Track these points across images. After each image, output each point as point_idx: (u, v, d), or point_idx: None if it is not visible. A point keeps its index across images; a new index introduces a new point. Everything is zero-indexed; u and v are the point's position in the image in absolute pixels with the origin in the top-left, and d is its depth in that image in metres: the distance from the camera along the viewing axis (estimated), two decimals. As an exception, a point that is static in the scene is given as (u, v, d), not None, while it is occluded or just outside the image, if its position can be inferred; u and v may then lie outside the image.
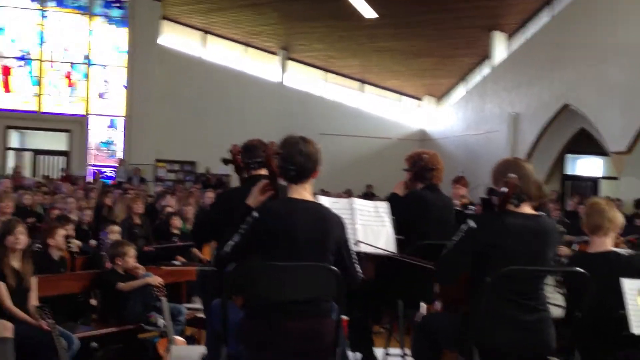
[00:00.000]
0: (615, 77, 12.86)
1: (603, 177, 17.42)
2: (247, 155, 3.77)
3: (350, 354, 4.39)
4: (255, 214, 3.03)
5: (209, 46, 21.01)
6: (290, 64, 21.66)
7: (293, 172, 3.09)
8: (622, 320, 3.39)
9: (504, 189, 3.12)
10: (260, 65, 21.50)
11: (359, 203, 4.27)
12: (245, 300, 3.15)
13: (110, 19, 19.78)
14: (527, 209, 3.26)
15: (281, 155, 3.11)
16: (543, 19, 16.67)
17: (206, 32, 20.78)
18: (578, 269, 3.29)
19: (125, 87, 19.58)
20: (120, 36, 19.72)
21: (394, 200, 4.54)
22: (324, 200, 3.96)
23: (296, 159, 3.07)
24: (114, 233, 7.31)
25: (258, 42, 20.99)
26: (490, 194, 3.21)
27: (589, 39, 13.70)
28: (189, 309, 6.37)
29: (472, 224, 3.19)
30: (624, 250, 4.03)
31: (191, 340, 6.16)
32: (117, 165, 19.03)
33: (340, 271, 2.96)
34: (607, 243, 3.79)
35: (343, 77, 22.26)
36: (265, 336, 2.96)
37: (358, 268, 3.17)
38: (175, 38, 20.62)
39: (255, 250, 3.02)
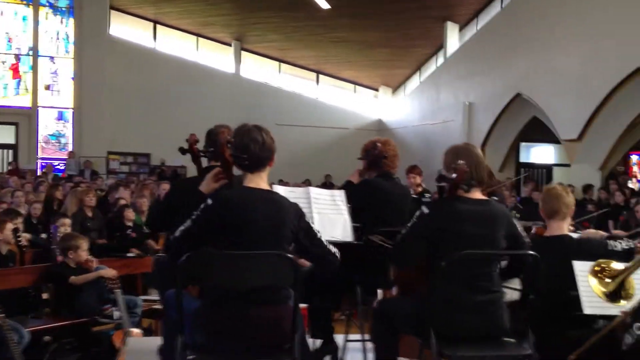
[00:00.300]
0: (565, 67, 13.12)
1: (556, 164, 17.84)
2: (208, 144, 3.72)
3: (310, 340, 4.39)
4: (209, 201, 2.99)
5: (161, 37, 20.68)
6: (245, 55, 21.52)
7: (247, 161, 3.05)
8: (575, 301, 3.46)
9: (454, 175, 3.16)
10: (214, 56, 21.30)
11: (315, 192, 4.25)
12: (203, 290, 3.11)
13: (56, 10, 19.26)
14: (477, 194, 3.31)
15: (234, 144, 3.07)
16: (494, 9, 16.90)
17: (157, 22, 20.46)
18: (529, 252, 3.35)
19: (73, 78, 19.15)
20: (68, 27, 19.24)
21: (348, 188, 4.55)
22: (280, 190, 3.94)
23: (250, 147, 3.03)
24: (65, 226, 7.15)
25: (211, 33, 20.77)
26: (441, 180, 3.25)
27: (539, 29, 13.95)
28: (145, 300, 6.31)
29: (425, 210, 3.25)
30: (577, 235, 4.12)
31: (148, 332, 6.09)
32: (67, 158, 18.65)
33: (309, 258, 2.94)
34: (563, 227, 3.87)
35: (299, 68, 22.22)
36: (225, 324, 2.93)
37: (333, 249, 3.15)
38: (125, 29, 20.21)
39: (208, 238, 2.98)
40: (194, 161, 3.76)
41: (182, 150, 3.72)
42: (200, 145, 3.70)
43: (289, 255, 2.93)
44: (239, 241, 2.94)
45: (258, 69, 21.84)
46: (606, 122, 12.55)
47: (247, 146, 3.03)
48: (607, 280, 3.13)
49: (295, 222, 3.05)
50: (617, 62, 11.72)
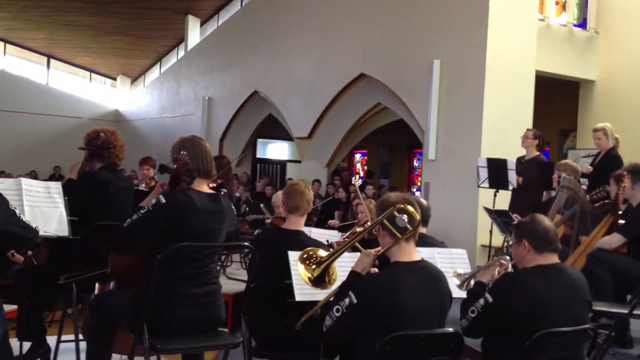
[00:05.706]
0: (298, 69, 13.84)
1: (289, 160, 18.82)
2: None
3: (17, 343, 4.09)
4: None
5: None
6: (-36, 32, 19.33)
7: None
8: (289, 289, 3.66)
9: (174, 166, 3.17)
10: None
11: (27, 183, 3.98)
12: None
13: None
14: (204, 187, 3.34)
15: None
16: (235, 7, 17.26)
17: None
18: (246, 244, 3.48)
19: None
20: None
21: (69, 184, 4.33)
22: (-16, 181, 3.61)
23: None
24: None
25: None
26: (162, 171, 3.23)
27: (275, 31, 14.54)
28: None
29: (162, 199, 3.18)
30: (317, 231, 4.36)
31: None
32: None
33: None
34: (300, 222, 4.06)
35: (27, 50, 20.51)
36: None
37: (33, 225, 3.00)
38: None
39: None
40: None
41: None
42: None
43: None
44: None
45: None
46: (332, 123, 13.50)
47: None
48: (314, 266, 3.34)
49: None
50: (342, 68, 12.64)
